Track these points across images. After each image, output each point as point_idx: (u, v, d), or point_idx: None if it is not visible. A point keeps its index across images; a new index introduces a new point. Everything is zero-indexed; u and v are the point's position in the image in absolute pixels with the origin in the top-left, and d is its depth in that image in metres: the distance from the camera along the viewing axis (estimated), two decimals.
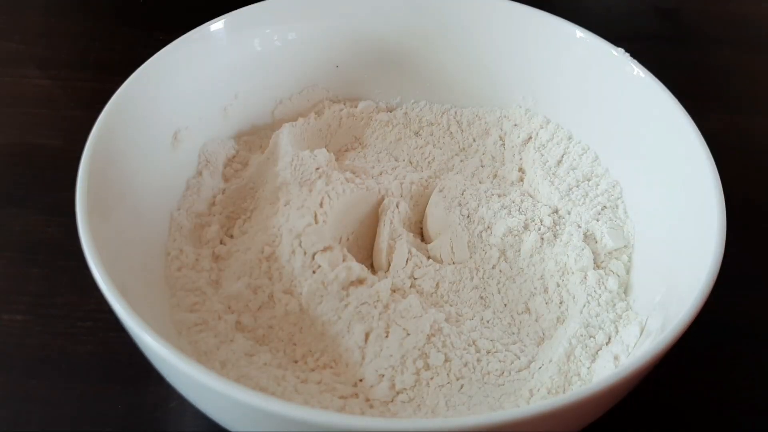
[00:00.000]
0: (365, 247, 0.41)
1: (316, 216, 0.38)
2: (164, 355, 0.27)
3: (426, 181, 0.43)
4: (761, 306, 0.42)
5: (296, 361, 0.35)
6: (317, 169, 0.41)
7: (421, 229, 0.42)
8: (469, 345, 0.35)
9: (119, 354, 0.37)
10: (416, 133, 0.47)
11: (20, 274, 0.41)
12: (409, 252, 0.39)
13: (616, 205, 0.40)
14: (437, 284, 0.38)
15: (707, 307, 0.29)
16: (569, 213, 0.40)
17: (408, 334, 0.35)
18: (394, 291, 0.37)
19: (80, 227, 0.31)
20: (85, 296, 0.40)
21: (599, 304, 0.36)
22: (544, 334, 0.37)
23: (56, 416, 0.35)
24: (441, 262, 0.39)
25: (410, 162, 0.45)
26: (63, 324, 0.39)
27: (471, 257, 0.39)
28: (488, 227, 0.40)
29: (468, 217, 0.41)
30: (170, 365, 0.27)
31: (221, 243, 0.40)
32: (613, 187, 0.41)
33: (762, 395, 0.38)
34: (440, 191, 0.42)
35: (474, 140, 0.46)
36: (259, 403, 0.25)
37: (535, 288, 0.38)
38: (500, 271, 0.39)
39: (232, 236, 0.40)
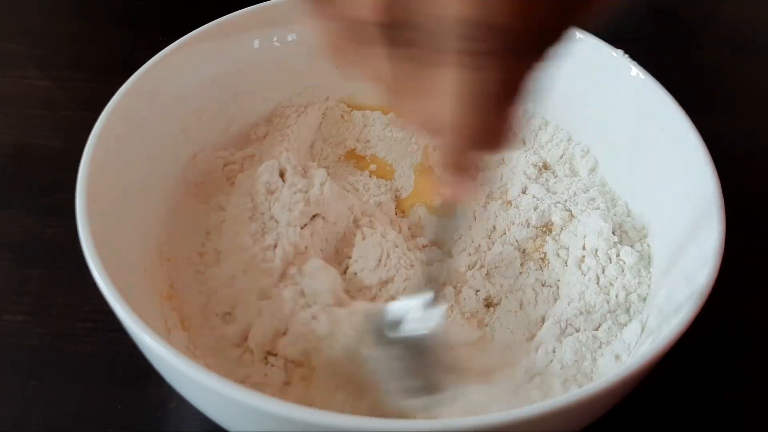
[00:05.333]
0: None
1: (312, 220, 0.38)
2: (164, 355, 0.27)
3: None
4: (761, 306, 0.42)
5: None
6: (318, 182, 0.40)
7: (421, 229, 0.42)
8: None
9: (119, 354, 0.37)
10: (416, 134, 0.47)
11: (20, 274, 0.41)
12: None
13: (616, 204, 0.40)
14: None
15: (707, 307, 0.29)
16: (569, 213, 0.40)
17: None
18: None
19: (80, 227, 0.31)
20: (85, 296, 0.40)
21: (601, 303, 0.36)
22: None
23: (56, 416, 0.35)
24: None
25: (410, 163, 0.45)
26: (63, 324, 0.39)
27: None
28: (493, 227, 0.40)
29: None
30: (170, 365, 0.27)
31: (220, 244, 0.40)
32: (613, 186, 0.41)
33: (762, 395, 0.38)
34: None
35: None
36: (259, 403, 0.25)
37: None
38: None
39: (231, 237, 0.40)
